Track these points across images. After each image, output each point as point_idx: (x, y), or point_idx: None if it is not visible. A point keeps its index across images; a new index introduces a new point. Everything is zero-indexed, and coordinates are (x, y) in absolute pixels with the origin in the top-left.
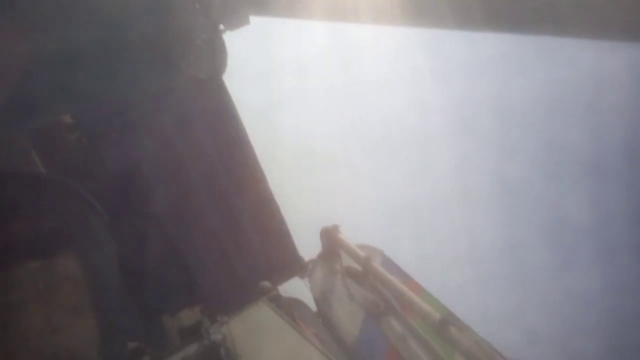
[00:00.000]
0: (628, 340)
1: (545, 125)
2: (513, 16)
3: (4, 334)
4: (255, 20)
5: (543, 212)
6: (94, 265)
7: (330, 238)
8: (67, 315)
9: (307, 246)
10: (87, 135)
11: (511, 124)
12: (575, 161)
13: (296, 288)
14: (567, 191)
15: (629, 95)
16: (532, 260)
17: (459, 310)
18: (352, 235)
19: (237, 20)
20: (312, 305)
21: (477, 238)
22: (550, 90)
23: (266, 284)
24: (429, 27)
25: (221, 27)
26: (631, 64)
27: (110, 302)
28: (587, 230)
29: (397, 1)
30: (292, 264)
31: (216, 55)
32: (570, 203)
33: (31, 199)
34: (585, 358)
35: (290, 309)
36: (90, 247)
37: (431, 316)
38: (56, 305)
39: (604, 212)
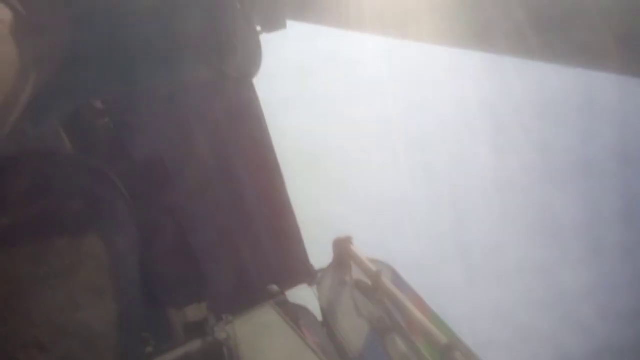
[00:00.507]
0: (620, 338)
1: (538, 128)
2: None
3: (29, 306)
4: (291, 24)
5: (535, 212)
6: (117, 248)
7: (342, 249)
8: (90, 294)
9: (318, 254)
10: (115, 122)
11: (505, 126)
12: (567, 162)
13: (304, 295)
14: (558, 191)
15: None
16: (525, 259)
17: (454, 309)
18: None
19: (274, 23)
20: (318, 314)
21: (470, 237)
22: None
23: (274, 287)
24: (453, 46)
25: (258, 28)
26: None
27: (130, 286)
28: (579, 229)
29: (425, 19)
30: (302, 271)
31: (251, 56)
32: (562, 203)
33: (62, 179)
34: (577, 356)
35: (296, 315)
36: (115, 230)
37: (437, 339)
38: (79, 283)
39: (595, 212)
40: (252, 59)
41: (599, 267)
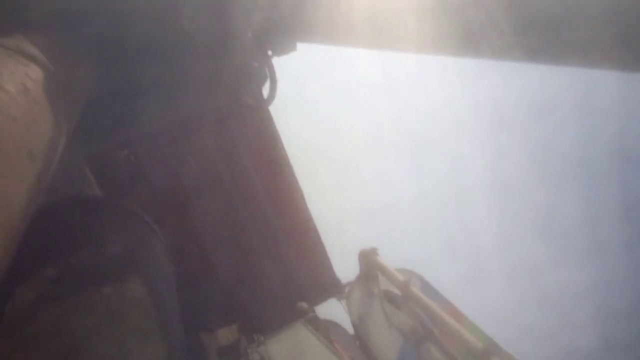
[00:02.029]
0: (620, 335)
1: (538, 127)
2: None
3: (81, 358)
4: (301, 46)
5: (536, 210)
6: (158, 289)
7: (368, 261)
8: (138, 339)
9: (344, 267)
10: (135, 153)
11: (505, 126)
12: (567, 161)
13: (334, 310)
14: (559, 190)
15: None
16: (525, 258)
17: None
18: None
19: (285, 46)
20: (349, 328)
21: (472, 236)
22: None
23: (304, 305)
24: (463, 56)
25: (269, 53)
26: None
27: (173, 325)
28: (579, 227)
29: (435, 32)
30: (329, 286)
31: (267, 83)
32: (562, 201)
33: (98, 224)
34: (578, 353)
35: (327, 331)
36: (154, 271)
37: (473, 345)
38: (128, 329)
39: (596, 210)
40: (268, 86)
41: (601, 264)
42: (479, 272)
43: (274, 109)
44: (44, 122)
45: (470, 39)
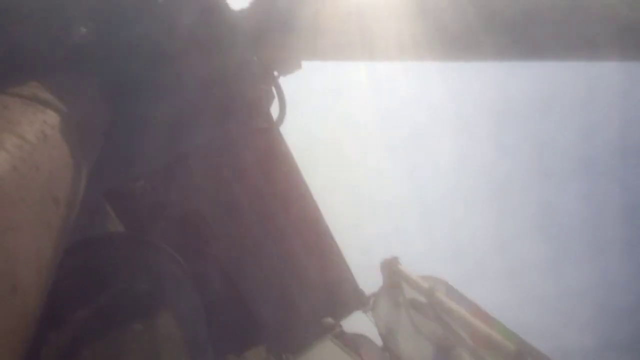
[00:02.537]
0: (621, 335)
1: (539, 124)
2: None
3: None
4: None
5: (536, 209)
6: (188, 322)
7: (390, 270)
8: None
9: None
10: (151, 183)
11: (506, 123)
12: (568, 159)
13: (360, 323)
14: (560, 188)
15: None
16: (525, 256)
17: None
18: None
19: (290, 65)
20: (378, 340)
21: (472, 235)
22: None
23: (329, 320)
24: (467, 59)
25: (275, 73)
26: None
27: (205, 357)
28: (580, 226)
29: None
30: (353, 299)
31: (277, 104)
32: (563, 200)
33: (124, 261)
34: (578, 353)
35: (356, 345)
36: (183, 304)
37: (505, 347)
38: None
39: (597, 209)
40: (278, 107)
41: (602, 263)
42: (480, 271)
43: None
44: (65, 167)
45: (468, 39)
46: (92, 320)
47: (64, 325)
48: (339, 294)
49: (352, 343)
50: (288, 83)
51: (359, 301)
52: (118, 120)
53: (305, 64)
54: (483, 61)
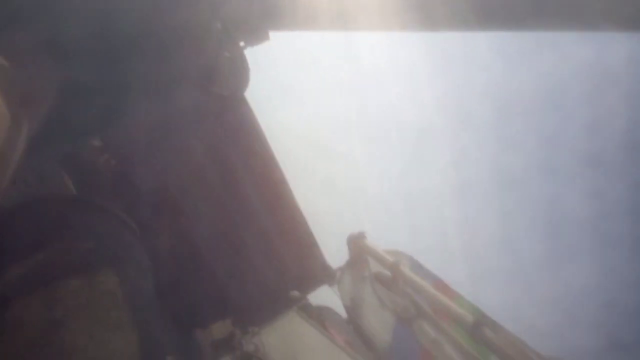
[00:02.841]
0: (626, 333)
1: (543, 119)
2: (508, 13)
3: (50, 350)
4: (274, 35)
5: (540, 206)
6: (130, 280)
7: (357, 245)
8: (109, 330)
9: (334, 253)
10: (116, 156)
11: (509, 117)
12: (573, 155)
13: (326, 296)
14: (565, 185)
15: (627, 87)
16: (530, 254)
17: None
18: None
19: (257, 36)
20: (343, 313)
21: (475, 231)
22: (547, 83)
23: (296, 293)
24: (429, 30)
25: (242, 44)
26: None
27: (148, 316)
28: (586, 223)
29: (402, 7)
30: (320, 273)
31: (238, 72)
32: (568, 196)
33: (68, 221)
34: (583, 352)
35: (320, 317)
36: (127, 264)
37: (464, 318)
38: (97, 320)
39: (603, 206)
40: (240, 75)
41: (607, 261)
42: (483, 268)
43: (255, 101)
44: (1, 120)
45: (452, 7)
46: (27, 275)
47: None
48: (306, 268)
49: (317, 315)
50: (258, 54)
51: (326, 275)
52: (72, 86)
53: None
54: (470, 31)
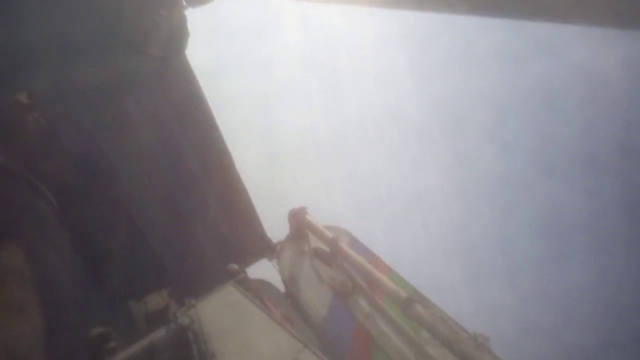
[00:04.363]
0: (622, 332)
1: (541, 118)
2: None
3: None
4: None
5: (537, 206)
6: (41, 257)
7: (297, 220)
8: (10, 313)
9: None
10: (45, 116)
11: (507, 117)
12: (570, 155)
13: (265, 270)
14: (562, 185)
15: (625, 85)
16: (527, 254)
17: (455, 303)
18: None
19: None
20: (281, 287)
21: (472, 232)
22: (546, 80)
23: (234, 266)
24: (426, 10)
25: (183, 3)
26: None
27: (59, 296)
28: (582, 223)
29: None
30: (260, 246)
31: (176, 33)
32: (565, 197)
33: None
34: (580, 350)
35: (258, 290)
36: (38, 239)
37: (398, 295)
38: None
39: (599, 206)
40: (177, 36)
41: (603, 261)
42: (481, 268)
43: (198, 67)
44: None
45: None
46: None
47: None
48: (246, 241)
49: (254, 289)
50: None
51: (266, 249)
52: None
53: None
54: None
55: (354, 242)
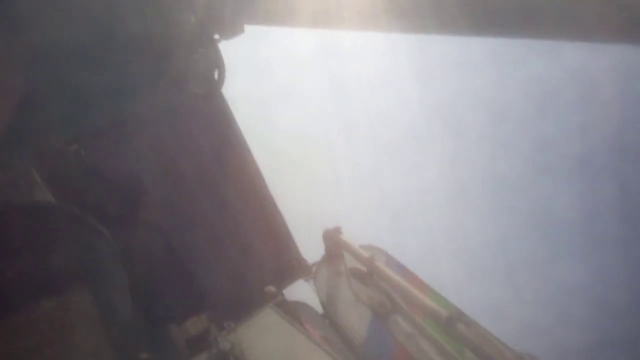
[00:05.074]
0: (618, 333)
1: (535, 123)
2: (500, 19)
3: None
4: (249, 29)
5: (533, 207)
6: (107, 299)
7: (332, 240)
8: (86, 356)
9: (310, 248)
10: (85, 148)
11: (502, 122)
12: (565, 157)
13: (301, 291)
14: (557, 186)
15: (617, 93)
16: (523, 255)
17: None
18: (354, 233)
19: (232, 29)
20: (318, 308)
21: (469, 233)
22: (538, 89)
23: (271, 288)
24: (416, 32)
25: (216, 37)
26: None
27: (124, 339)
28: (577, 224)
29: (386, 8)
30: (296, 268)
31: (215, 69)
32: (560, 198)
33: (38, 232)
34: (575, 350)
35: (296, 312)
36: (102, 280)
37: (438, 313)
38: (74, 347)
39: (594, 207)
40: (216, 72)
41: (599, 261)
42: (478, 269)
43: (231, 94)
44: None
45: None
46: None
47: None
48: (282, 263)
49: (293, 311)
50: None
51: (301, 270)
52: (45, 83)
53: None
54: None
55: (390, 261)
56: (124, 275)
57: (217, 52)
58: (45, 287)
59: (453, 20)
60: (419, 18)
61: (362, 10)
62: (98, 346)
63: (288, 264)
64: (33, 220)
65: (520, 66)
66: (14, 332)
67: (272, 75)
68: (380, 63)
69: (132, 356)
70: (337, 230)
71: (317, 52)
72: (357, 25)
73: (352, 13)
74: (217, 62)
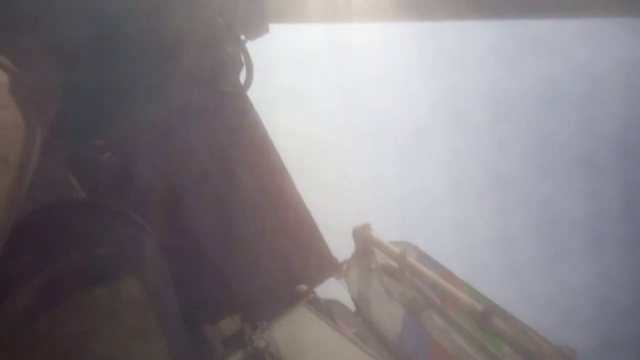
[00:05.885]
0: (621, 332)
1: (539, 117)
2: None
3: None
4: (273, 27)
5: (536, 205)
6: (152, 285)
7: (362, 237)
8: (137, 339)
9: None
10: (117, 155)
11: (505, 116)
12: (568, 155)
13: (332, 289)
14: (560, 184)
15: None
16: (524, 253)
17: None
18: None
19: (257, 29)
20: (350, 305)
21: (471, 231)
22: (543, 77)
23: (303, 287)
24: (427, 20)
25: (242, 37)
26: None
27: (171, 321)
28: (580, 223)
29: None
30: (327, 266)
31: (243, 68)
32: (564, 196)
33: (85, 227)
34: (578, 350)
35: (329, 310)
36: (147, 268)
37: (473, 308)
38: (126, 330)
39: (597, 206)
40: (244, 71)
41: (602, 260)
42: (480, 267)
43: (255, 95)
44: (16, 128)
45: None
46: (51, 285)
47: (20, 290)
48: (312, 261)
49: (325, 309)
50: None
51: (332, 268)
52: (76, 86)
53: (275, 27)
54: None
55: (422, 256)
56: (166, 265)
57: (245, 52)
58: (95, 275)
59: (459, 5)
60: (426, 5)
61: (369, 1)
62: (148, 330)
63: (319, 263)
64: (83, 215)
65: (523, 59)
66: (69, 317)
67: (282, 74)
68: (392, 55)
69: (180, 339)
70: (366, 227)
71: (327, 47)
72: (366, 16)
73: (359, 5)
74: (245, 63)
